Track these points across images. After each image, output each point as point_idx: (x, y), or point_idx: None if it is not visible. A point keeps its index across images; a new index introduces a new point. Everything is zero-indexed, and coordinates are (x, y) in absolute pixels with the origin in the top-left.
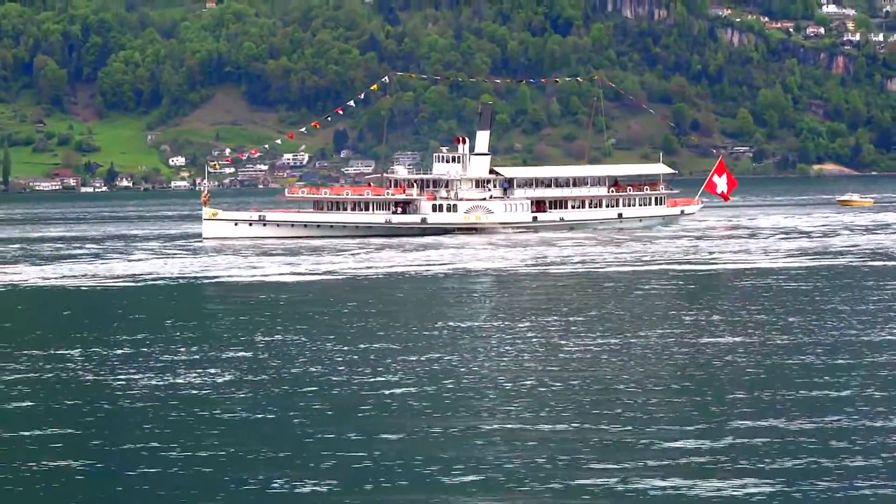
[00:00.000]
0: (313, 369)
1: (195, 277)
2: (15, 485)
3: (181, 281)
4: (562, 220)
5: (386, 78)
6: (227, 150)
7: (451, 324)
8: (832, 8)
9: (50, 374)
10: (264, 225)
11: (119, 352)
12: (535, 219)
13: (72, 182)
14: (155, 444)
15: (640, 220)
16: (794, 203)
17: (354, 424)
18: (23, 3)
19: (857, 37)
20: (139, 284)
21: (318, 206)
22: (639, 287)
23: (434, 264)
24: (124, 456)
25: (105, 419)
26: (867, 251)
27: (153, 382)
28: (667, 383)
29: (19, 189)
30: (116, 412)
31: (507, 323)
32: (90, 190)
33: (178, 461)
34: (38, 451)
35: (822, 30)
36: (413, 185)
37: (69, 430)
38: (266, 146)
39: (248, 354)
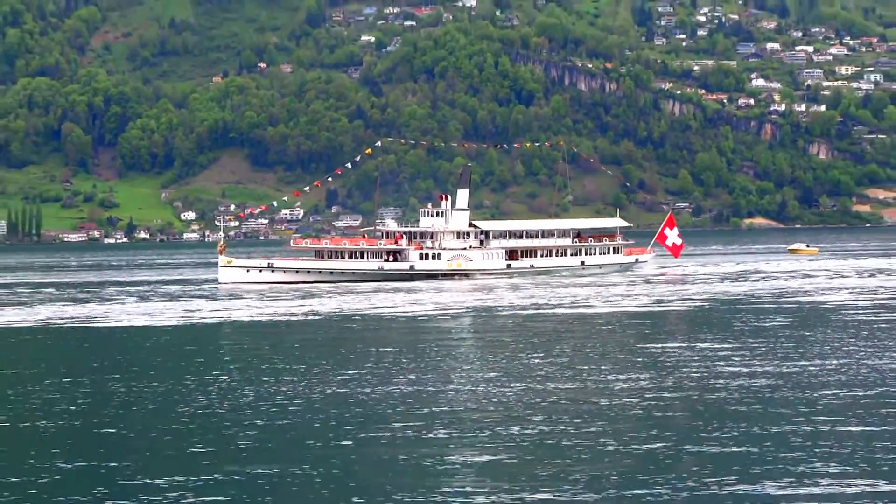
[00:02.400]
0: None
1: (222, 317)
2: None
3: (211, 320)
4: (532, 266)
5: (379, 143)
6: (232, 206)
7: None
8: (761, 82)
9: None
10: (273, 271)
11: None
12: (508, 266)
13: (96, 234)
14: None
15: (601, 267)
16: (746, 252)
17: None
18: (52, 78)
19: (783, 107)
20: (182, 324)
21: (319, 254)
22: (604, 325)
23: (424, 304)
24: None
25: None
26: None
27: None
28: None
29: (50, 240)
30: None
31: (480, 356)
32: (112, 241)
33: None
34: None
35: (752, 101)
36: (402, 237)
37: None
38: (274, 203)
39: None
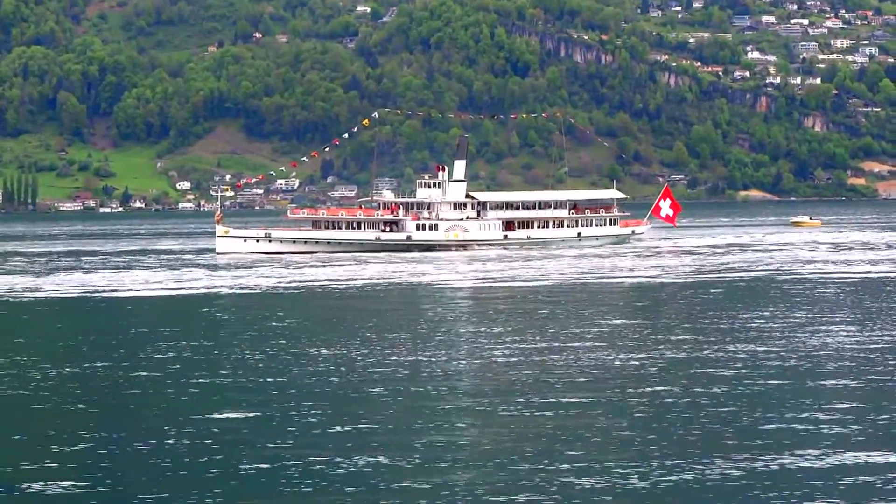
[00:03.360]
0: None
1: (221, 286)
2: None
3: (210, 290)
4: (528, 238)
5: (376, 114)
6: (227, 176)
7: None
8: (756, 55)
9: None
10: (270, 241)
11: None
12: (505, 237)
13: (91, 203)
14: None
15: (597, 239)
16: (752, 224)
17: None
18: (47, 47)
19: (778, 80)
20: (184, 294)
21: (316, 224)
22: (599, 296)
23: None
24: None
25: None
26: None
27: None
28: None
29: (45, 209)
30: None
31: (474, 327)
32: (108, 210)
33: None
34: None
35: (747, 73)
36: (399, 207)
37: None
38: (272, 173)
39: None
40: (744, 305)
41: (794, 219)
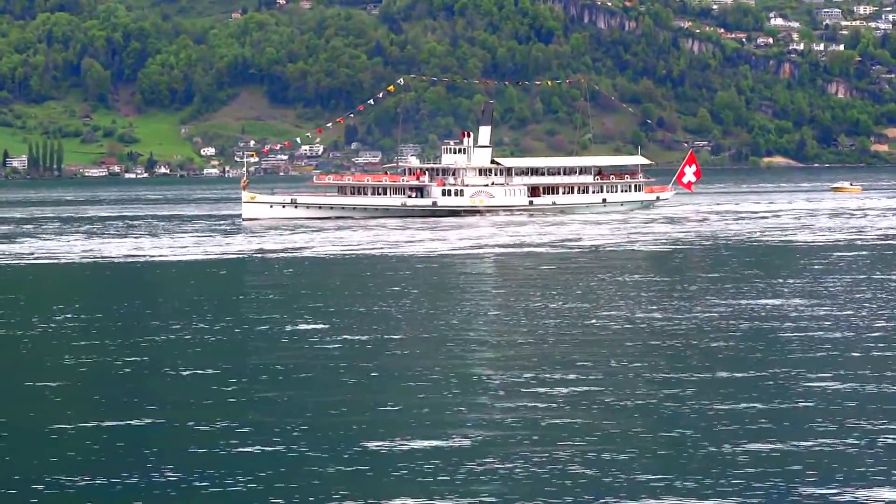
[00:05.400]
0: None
1: (255, 252)
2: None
3: (238, 256)
4: (554, 203)
5: (401, 80)
6: (252, 142)
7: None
8: (779, 21)
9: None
10: (295, 207)
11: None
12: (530, 203)
13: (116, 169)
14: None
15: (622, 205)
16: (791, 190)
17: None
18: (71, 13)
19: (801, 46)
20: (211, 259)
21: (342, 190)
22: (628, 261)
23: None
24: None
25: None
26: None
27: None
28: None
29: (71, 175)
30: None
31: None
32: (133, 176)
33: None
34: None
35: (770, 40)
36: (425, 173)
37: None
38: (297, 139)
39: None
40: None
41: (835, 185)
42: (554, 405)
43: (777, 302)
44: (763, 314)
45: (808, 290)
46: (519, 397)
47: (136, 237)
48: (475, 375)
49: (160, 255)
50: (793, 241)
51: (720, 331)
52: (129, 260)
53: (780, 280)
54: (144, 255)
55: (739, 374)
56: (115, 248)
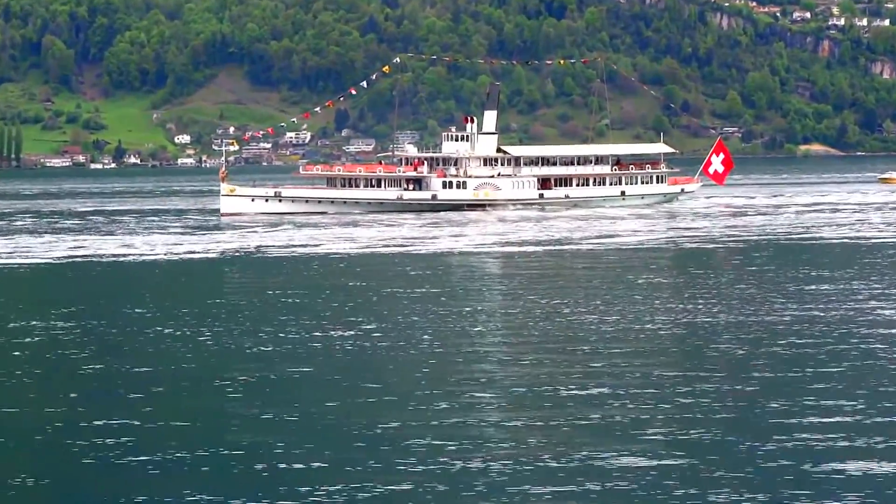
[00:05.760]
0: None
1: (237, 251)
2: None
3: (213, 256)
4: (567, 197)
5: (397, 59)
6: (231, 129)
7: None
8: None
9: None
10: (280, 201)
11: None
12: (541, 196)
13: (81, 159)
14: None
15: (643, 198)
16: (833, 181)
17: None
18: None
19: (842, 21)
20: (173, 259)
21: (331, 182)
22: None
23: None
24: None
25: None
26: None
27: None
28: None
29: (31, 165)
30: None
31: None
32: (99, 167)
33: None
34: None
35: (808, 14)
36: (423, 163)
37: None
38: (281, 125)
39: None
40: None
41: (883, 175)
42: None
43: (852, 305)
44: (832, 321)
45: (881, 292)
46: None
47: (94, 235)
48: (523, 387)
49: (122, 256)
50: (842, 238)
51: (795, 335)
52: (85, 260)
53: (842, 282)
54: (101, 255)
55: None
56: (70, 247)
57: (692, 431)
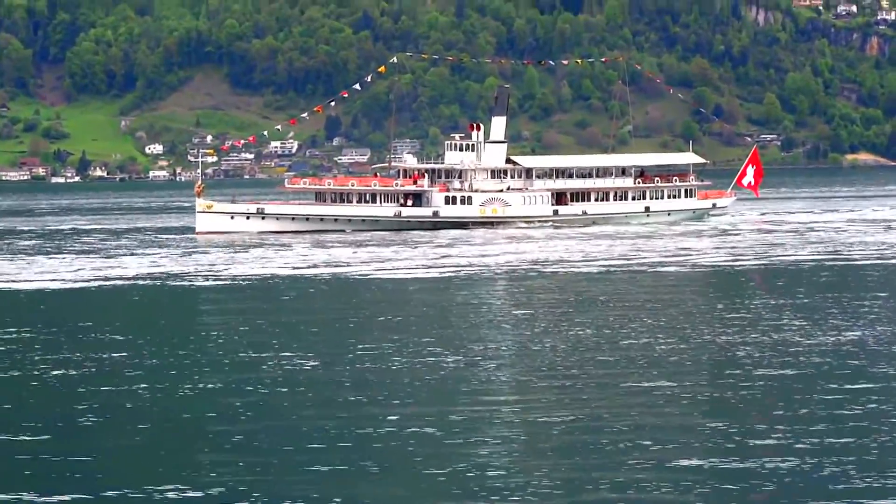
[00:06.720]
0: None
1: (198, 274)
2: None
3: (176, 281)
4: (584, 213)
5: (395, 59)
6: (209, 138)
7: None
8: None
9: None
10: (263, 218)
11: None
12: (555, 212)
13: (41, 171)
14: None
15: (669, 214)
16: (884, 194)
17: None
18: None
19: (893, 15)
20: (133, 283)
21: (320, 197)
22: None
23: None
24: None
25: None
26: None
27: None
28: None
29: None
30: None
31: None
32: (61, 180)
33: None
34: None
35: (854, 8)
36: (424, 176)
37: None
38: (265, 133)
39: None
40: None
41: None
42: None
43: None
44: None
45: None
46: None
47: (48, 258)
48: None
49: (71, 282)
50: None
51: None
52: (36, 287)
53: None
54: (45, 281)
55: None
56: (23, 272)
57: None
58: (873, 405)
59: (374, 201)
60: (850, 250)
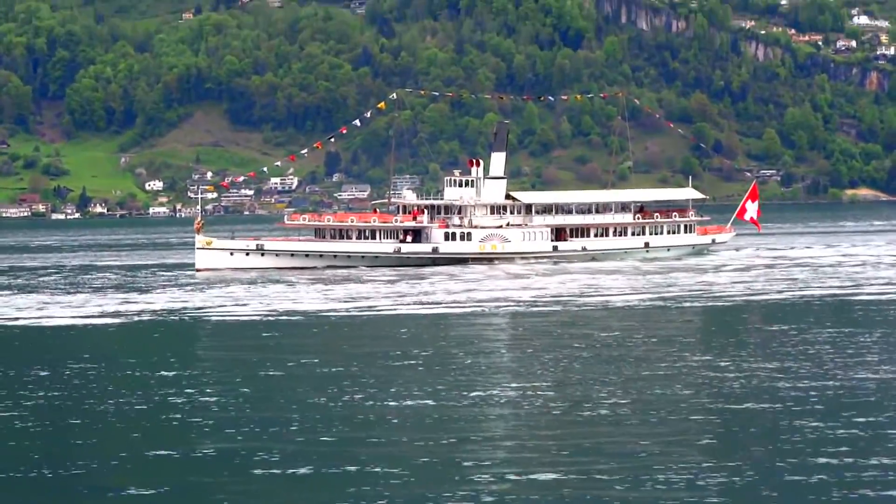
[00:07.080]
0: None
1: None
2: None
3: (176, 317)
4: (584, 249)
5: (394, 95)
6: (209, 174)
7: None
8: (864, 19)
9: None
10: (262, 255)
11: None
12: (555, 248)
13: (41, 208)
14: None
15: (669, 250)
16: (886, 229)
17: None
18: None
19: (892, 50)
20: (133, 321)
21: (320, 234)
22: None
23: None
24: None
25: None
26: None
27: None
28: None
29: None
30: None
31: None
32: (62, 217)
33: None
34: None
35: (853, 43)
36: (424, 212)
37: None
38: (264, 169)
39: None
40: None
41: None
42: None
43: None
44: None
45: None
46: None
47: (39, 295)
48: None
49: (69, 318)
50: None
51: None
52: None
53: None
54: (38, 319)
55: None
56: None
57: None
58: None
59: (373, 237)
60: (859, 286)
